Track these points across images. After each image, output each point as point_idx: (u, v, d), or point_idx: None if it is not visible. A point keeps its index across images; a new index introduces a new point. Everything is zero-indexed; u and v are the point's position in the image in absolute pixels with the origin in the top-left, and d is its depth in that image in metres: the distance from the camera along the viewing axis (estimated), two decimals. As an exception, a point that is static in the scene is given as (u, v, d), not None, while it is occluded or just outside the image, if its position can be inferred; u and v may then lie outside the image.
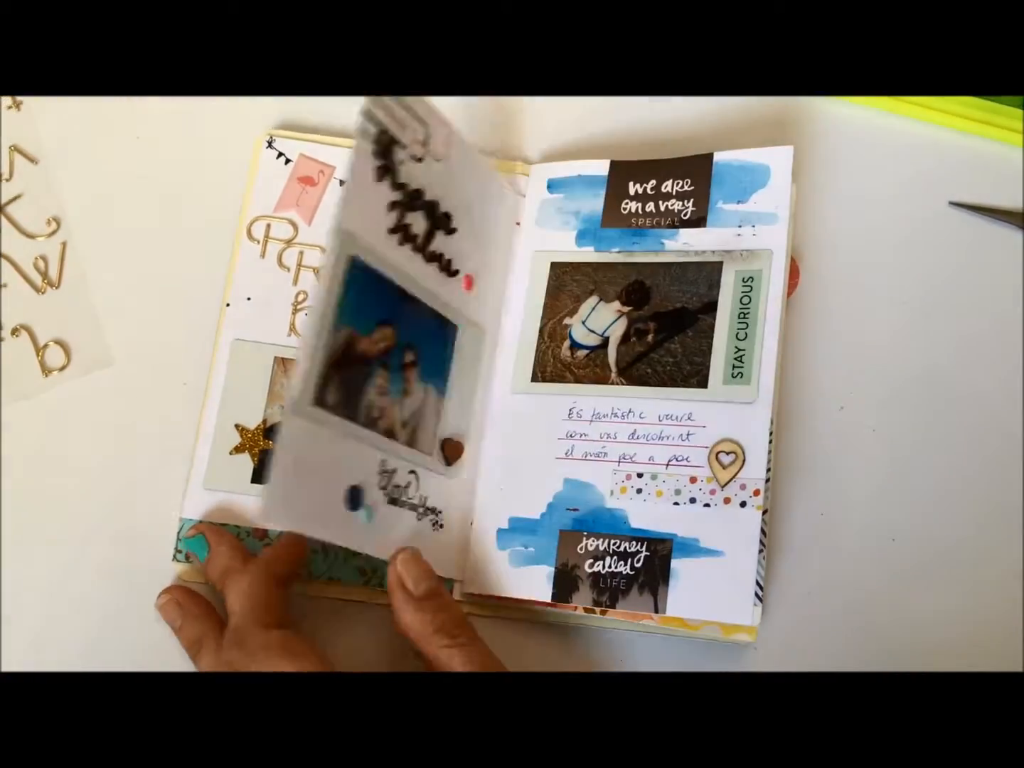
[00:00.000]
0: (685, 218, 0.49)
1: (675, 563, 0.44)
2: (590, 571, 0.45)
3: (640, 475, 0.46)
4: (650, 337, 0.48)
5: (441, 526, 0.46)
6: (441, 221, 0.46)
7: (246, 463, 0.49)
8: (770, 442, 0.45)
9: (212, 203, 0.53)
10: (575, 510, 0.46)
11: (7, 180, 0.53)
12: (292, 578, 0.46)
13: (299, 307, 0.50)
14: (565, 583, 0.45)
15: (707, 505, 0.44)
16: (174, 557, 0.48)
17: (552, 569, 0.45)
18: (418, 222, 0.45)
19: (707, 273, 0.48)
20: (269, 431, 0.49)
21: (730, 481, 0.45)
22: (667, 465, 0.45)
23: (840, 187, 0.53)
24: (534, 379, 0.48)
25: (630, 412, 0.47)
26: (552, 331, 0.49)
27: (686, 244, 0.49)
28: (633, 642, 0.47)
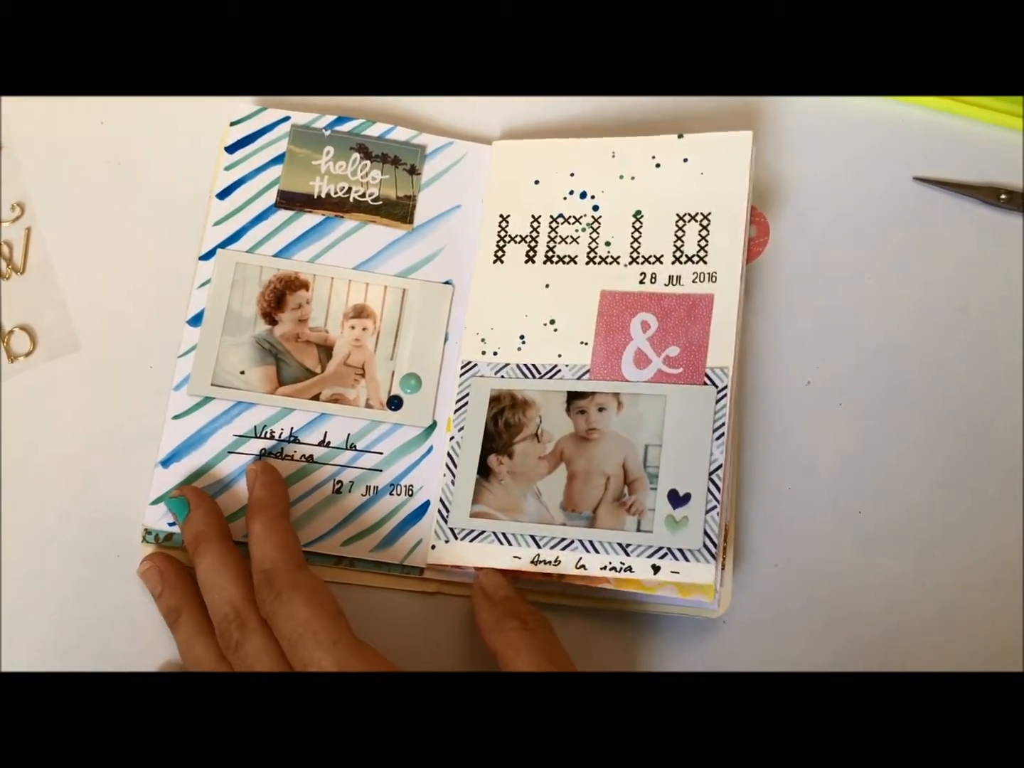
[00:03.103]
0: None
1: None
2: None
3: None
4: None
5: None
6: None
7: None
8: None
9: (179, 187, 0.52)
10: None
11: (-30, 167, 0.52)
12: (288, 513, 0.47)
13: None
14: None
15: None
16: (143, 539, 0.48)
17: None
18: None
19: None
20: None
21: None
22: None
23: (804, 164, 0.53)
24: None
25: None
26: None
27: None
28: (594, 616, 0.47)
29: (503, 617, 0.43)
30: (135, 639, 0.47)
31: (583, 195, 0.50)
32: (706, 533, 0.44)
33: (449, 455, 0.47)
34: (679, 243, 0.48)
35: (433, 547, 0.46)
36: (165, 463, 0.48)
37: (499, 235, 0.50)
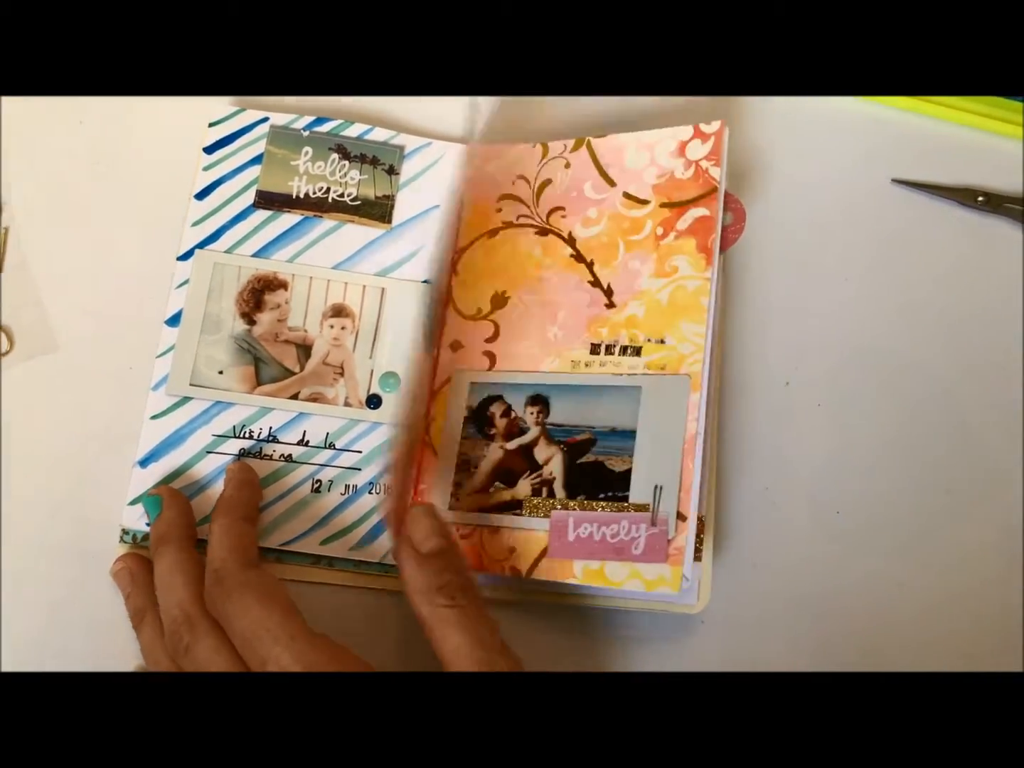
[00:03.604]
0: None
1: None
2: None
3: None
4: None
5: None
6: None
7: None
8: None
9: (158, 188, 0.52)
10: None
11: (-54, 168, 0.52)
12: (255, 516, 0.46)
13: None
14: None
15: None
16: (121, 539, 0.48)
17: None
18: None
19: None
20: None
21: None
22: None
23: (783, 166, 0.53)
24: None
25: None
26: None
27: None
28: (567, 614, 0.47)
29: (432, 587, 0.41)
30: (116, 639, 0.47)
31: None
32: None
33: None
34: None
35: None
36: (143, 463, 0.48)
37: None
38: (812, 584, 0.48)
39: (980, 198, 0.52)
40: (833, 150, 0.53)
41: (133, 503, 0.48)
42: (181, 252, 0.50)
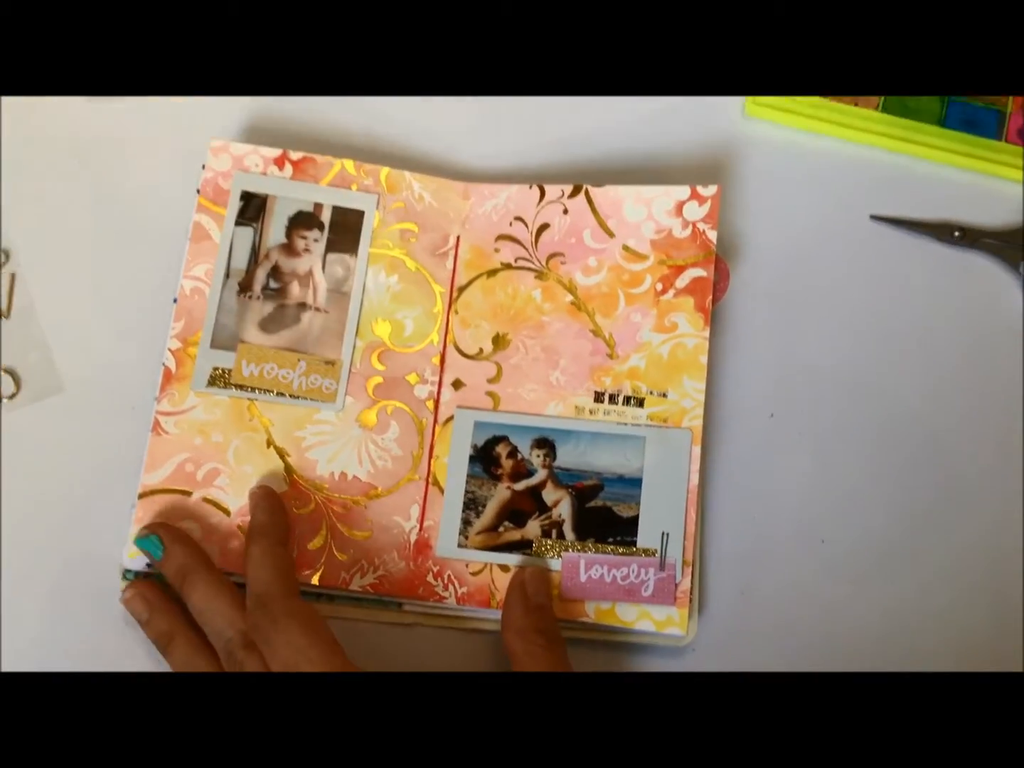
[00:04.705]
0: None
1: None
2: None
3: None
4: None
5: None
6: None
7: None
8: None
9: (157, 231, 0.53)
10: None
11: (-44, 220, 0.54)
12: (288, 541, 0.47)
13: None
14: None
15: None
16: (123, 577, 0.48)
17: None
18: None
19: None
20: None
21: None
22: None
23: (766, 203, 0.54)
24: None
25: None
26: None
27: None
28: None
29: (533, 629, 0.45)
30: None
31: None
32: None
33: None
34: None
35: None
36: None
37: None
38: (799, 609, 0.49)
39: (956, 233, 0.54)
40: (813, 188, 0.55)
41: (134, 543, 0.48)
42: (176, 295, 0.51)
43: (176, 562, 0.46)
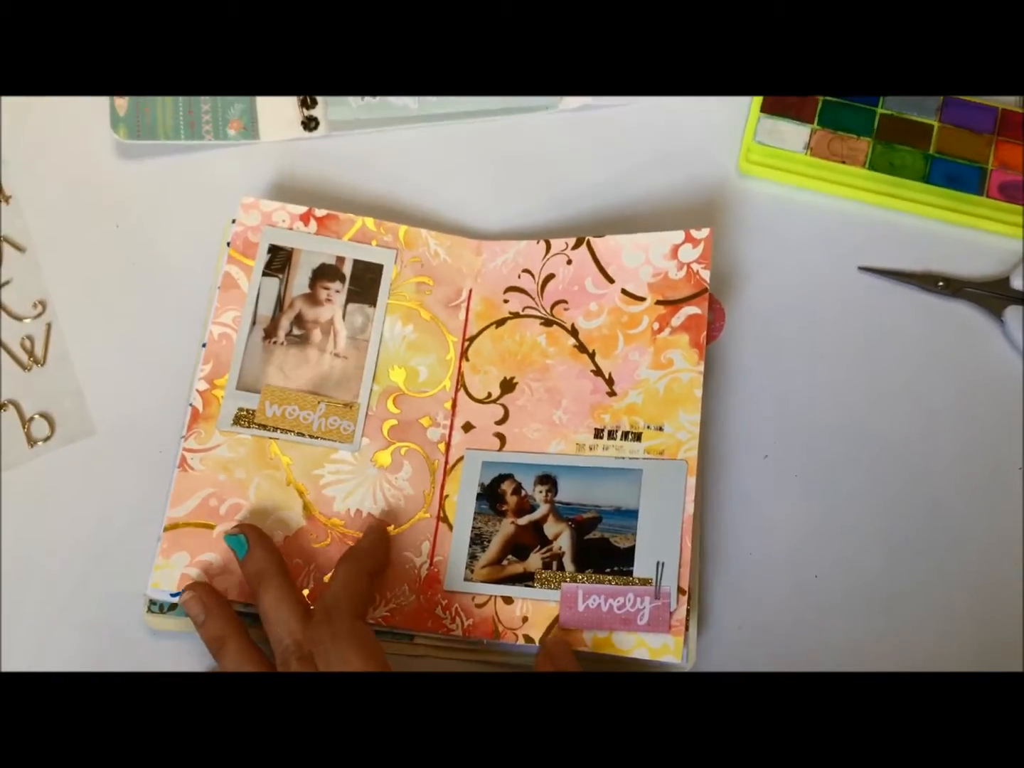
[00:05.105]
0: None
1: None
2: None
3: None
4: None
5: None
6: None
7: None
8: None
9: (186, 283, 0.56)
10: None
11: (-2, 268, 0.57)
12: (380, 573, 0.50)
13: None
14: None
15: None
16: (148, 609, 0.50)
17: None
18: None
19: None
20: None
21: None
22: None
23: (759, 254, 0.57)
24: None
25: None
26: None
27: None
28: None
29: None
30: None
31: None
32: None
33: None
34: None
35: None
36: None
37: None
38: (794, 644, 0.50)
39: (940, 283, 0.56)
40: (804, 241, 0.57)
41: (157, 577, 0.50)
42: (204, 340, 0.54)
43: (256, 565, 0.48)
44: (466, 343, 0.54)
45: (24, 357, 0.55)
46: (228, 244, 0.55)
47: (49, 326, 0.56)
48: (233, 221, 0.56)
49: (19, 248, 0.57)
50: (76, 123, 0.60)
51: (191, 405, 0.53)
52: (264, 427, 0.52)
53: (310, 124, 0.60)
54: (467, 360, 0.54)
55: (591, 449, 0.51)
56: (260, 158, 0.60)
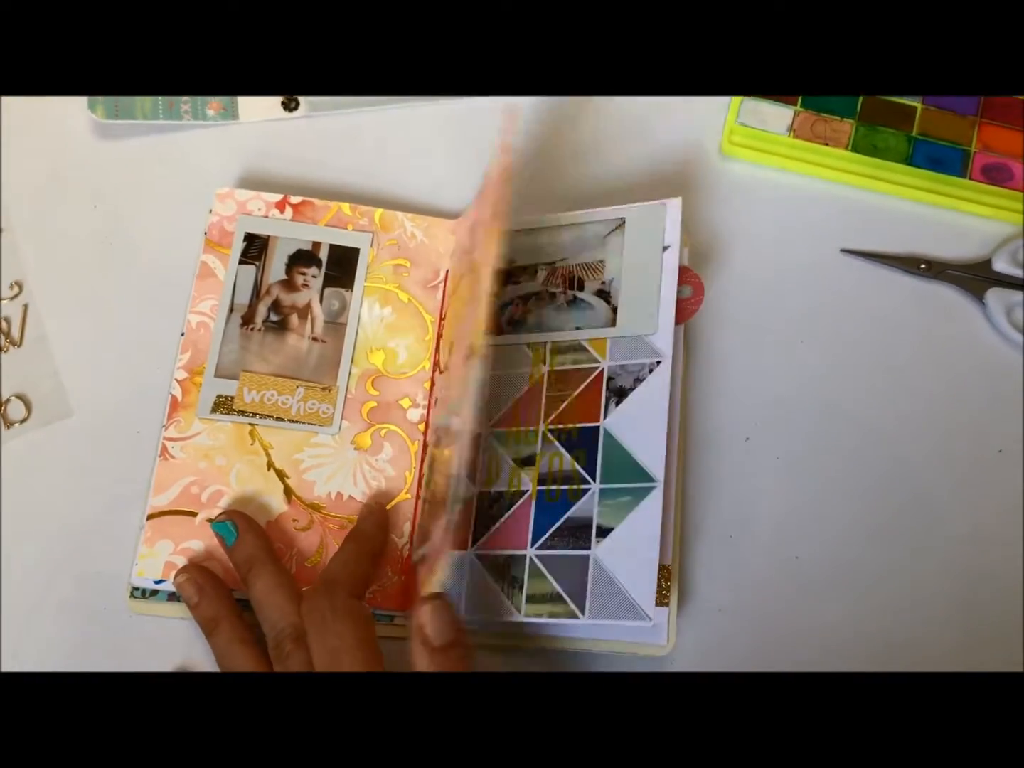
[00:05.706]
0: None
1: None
2: None
3: None
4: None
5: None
6: None
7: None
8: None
9: (164, 267, 0.56)
10: None
11: (-28, 252, 0.56)
12: (380, 555, 0.50)
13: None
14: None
15: None
16: (131, 595, 0.50)
17: None
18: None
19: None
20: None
21: None
22: None
23: (741, 236, 0.57)
24: None
25: None
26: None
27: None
28: (540, 655, 0.49)
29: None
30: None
31: None
32: None
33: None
34: None
35: None
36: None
37: None
38: (774, 626, 0.50)
39: (922, 265, 0.56)
40: (786, 223, 0.57)
41: (141, 561, 0.50)
42: (183, 329, 0.54)
43: (246, 551, 0.48)
44: (443, 323, 0.54)
45: (1, 339, 0.55)
46: (205, 234, 0.55)
47: (26, 307, 0.56)
48: (210, 211, 0.55)
49: (-5, 229, 0.57)
50: (53, 103, 0.60)
51: (171, 394, 0.52)
52: (243, 413, 0.52)
53: (290, 104, 0.60)
54: (443, 339, 0.54)
55: None
56: (240, 139, 0.59)
